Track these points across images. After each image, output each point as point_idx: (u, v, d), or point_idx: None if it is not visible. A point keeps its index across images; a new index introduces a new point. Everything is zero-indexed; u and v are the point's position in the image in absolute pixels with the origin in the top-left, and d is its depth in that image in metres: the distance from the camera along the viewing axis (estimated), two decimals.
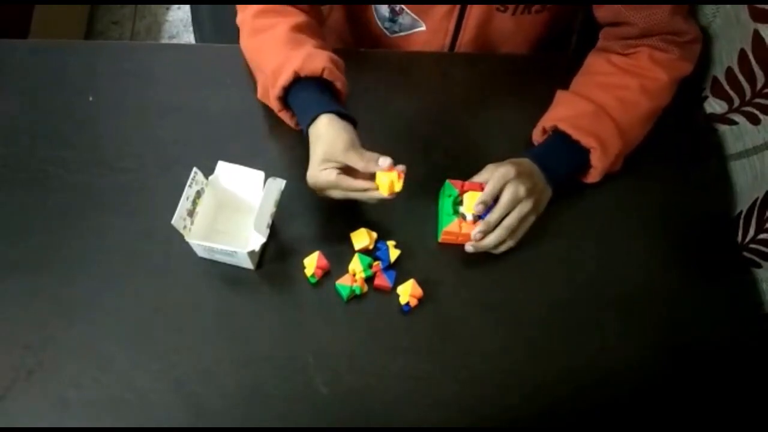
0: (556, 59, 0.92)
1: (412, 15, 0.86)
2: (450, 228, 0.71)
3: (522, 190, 0.70)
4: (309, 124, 0.71)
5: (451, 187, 0.73)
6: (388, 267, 0.71)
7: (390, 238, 0.73)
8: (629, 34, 0.77)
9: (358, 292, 0.70)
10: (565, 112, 0.77)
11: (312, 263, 0.70)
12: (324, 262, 0.70)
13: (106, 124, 0.81)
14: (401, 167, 0.67)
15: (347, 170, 0.68)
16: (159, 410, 0.64)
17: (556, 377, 0.68)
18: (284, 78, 0.71)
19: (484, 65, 0.88)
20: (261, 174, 0.70)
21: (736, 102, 0.79)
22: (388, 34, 0.91)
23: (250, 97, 0.80)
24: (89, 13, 1.76)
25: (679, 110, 0.80)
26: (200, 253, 0.71)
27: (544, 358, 0.69)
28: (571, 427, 0.67)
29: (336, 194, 0.70)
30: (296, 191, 0.72)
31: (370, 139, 0.69)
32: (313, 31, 0.79)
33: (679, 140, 0.83)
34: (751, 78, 0.74)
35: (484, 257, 0.72)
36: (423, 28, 0.87)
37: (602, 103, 0.75)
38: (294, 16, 0.78)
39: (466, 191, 0.73)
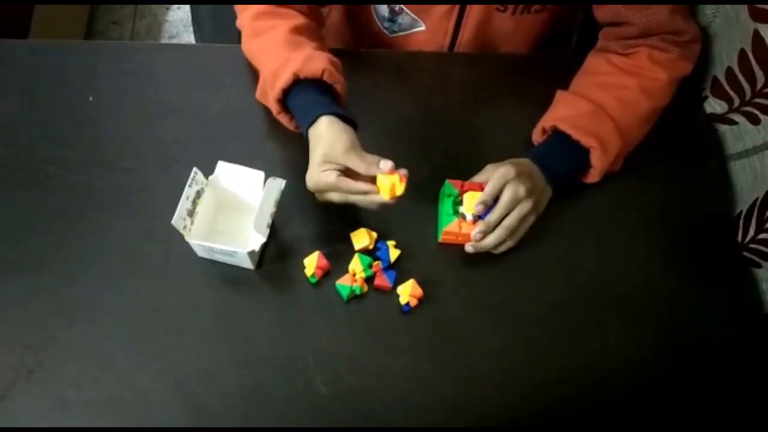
0: (556, 59, 0.92)
1: (412, 15, 0.86)
2: (450, 228, 0.71)
3: (522, 190, 0.70)
4: (309, 126, 0.70)
5: (450, 187, 0.73)
6: (388, 267, 0.71)
7: (390, 238, 0.73)
8: (629, 34, 0.77)
9: (358, 292, 0.70)
10: (564, 112, 0.77)
11: (312, 263, 0.70)
12: (324, 262, 0.70)
13: (106, 124, 0.81)
14: (403, 171, 0.66)
15: (347, 173, 0.67)
16: (159, 410, 0.64)
17: (556, 377, 0.68)
18: (283, 80, 0.71)
19: (483, 65, 0.88)
20: (261, 174, 0.70)
21: (736, 102, 0.79)
22: (387, 34, 0.91)
23: (250, 97, 0.80)
24: (89, 13, 1.76)
25: (679, 110, 0.80)
26: (200, 253, 0.71)
27: (544, 358, 0.69)
28: (571, 427, 0.67)
29: (335, 198, 0.68)
30: (296, 191, 0.72)
31: (369, 139, 0.69)
32: (313, 33, 0.78)
33: (679, 140, 0.83)
34: (751, 78, 0.74)
35: (484, 257, 0.72)
36: (422, 28, 0.87)
37: (602, 103, 0.75)
38: (293, 18, 0.77)
39: (466, 191, 0.73)
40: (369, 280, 0.71)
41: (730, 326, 0.72)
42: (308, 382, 0.66)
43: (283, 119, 0.76)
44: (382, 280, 0.70)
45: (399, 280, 0.70)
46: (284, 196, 0.69)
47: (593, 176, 0.75)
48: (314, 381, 0.66)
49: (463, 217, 0.72)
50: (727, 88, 0.80)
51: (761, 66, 0.72)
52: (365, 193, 0.67)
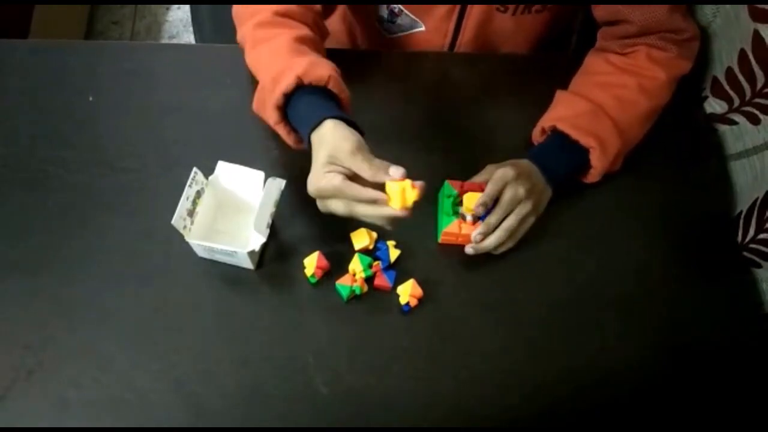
0: (556, 59, 0.92)
1: (411, 16, 0.86)
2: (450, 229, 0.71)
3: (522, 191, 0.70)
4: (312, 130, 0.65)
5: (450, 187, 0.73)
6: (388, 267, 0.71)
7: (390, 238, 0.73)
8: (627, 33, 0.77)
9: (358, 292, 0.70)
10: (564, 112, 0.77)
11: (312, 263, 0.70)
12: (324, 262, 0.70)
13: (106, 124, 0.81)
14: (419, 183, 0.60)
15: (354, 180, 0.62)
16: (159, 410, 0.64)
17: (556, 377, 0.68)
18: (285, 83, 0.66)
19: (484, 65, 0.88)
20: (261, 174, 0.70)
21: (736, 102, 0.79)
22: (386, 35, 0.91)
23: (251, 97, 0.80)
24: (89, 13, 1.76)
25: (679, 110, 0.81)
26: (200, 253, 0.71)
27: (544, 358, 0.69)
28: (571, 427, 0.67)
29: (339, 208, 0.63)
30: (296, 191, 0.72)
31: (368, 139, 0.68)
32: (316, 46, 0.75)
33: (679, 140, 0.83)
34: (751, 78, 0.74)
35: (483, 257, 0.72)
36: (422, 28, 0.87)
37: (601, 102, 0.75)
38: (297, 28, 0.74)
39: (466, 192, 0.73)
40: (369, 280, 0.71)
41: (730, 326, 0.72)
42: (308, 382, 0.66)
43: (282, 130, 0.70)
44: (382, 280, 0.70)
45: (399, 280, 0.70)
46: (284, 196, 0.69)
47: (593, 176, 0.75)
48: (314, 381, 0.66)
49: (463, 217, 0.72)
50: (727, 88, 0.80)
51: (761, 66, 0.72)
52: (373, 201, 0.60)
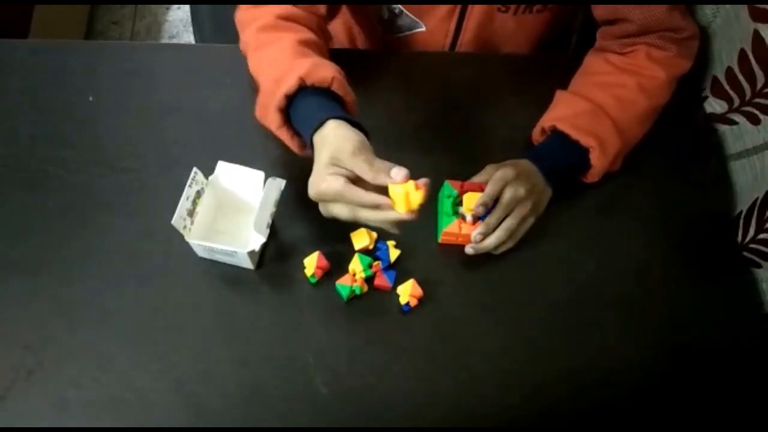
0: (556, 59, 0.92)
1: (412, 17, 0.86)
2: (450, 229, 0.71)
3: (522, 191, 0.70)
4: (314, 131, 0.63)
5: (450, 187, 0.73)
6: (388, 267, 0.71)
7: (390, 238, 0.73)
8: (626, 32, 0.77)
9: (358, 292, 0.70)
10: (563, 112, 0.77)
11: (312, 263, 0.70)
12: (324, 262, 0.70)
13: (106, 124, 0.81)
14: (423, 180, 0.57)
15: (357, 183, 0.60)
16: (159, 410, 0.64)
17: (556, 377, 0.68)
18: (287, 85, 0.65)
19: (484, 65, 0.88)
20: (261, 174, 0.70)
21: (736, 102, 0.79)
22: (386, 35, 0.90)
23: (250, 97, 0.80)
24: (89, 13, 1.76)
25: (678, 110, 0.80)
26: (200, 253, 0.71)
27: (544, 358, 0.69)
28: (571, 427, 0.67)
29: (342, 212, 0.60)
30: (296, 191, 0.72)
31: (369, 139, 0.68)
32: (320, 50, 0.73)
33: (679, 140, 0.83)
34: (751, 78, 0.74)
35: (483, 257, 0.72)
36: (423, 29, 0.87)
37: (600, 102, 0.75)
38: (301, 32, 0.73)
39: (466, 192, 0.73)
40: (369, 280, 0.71)
41: (730, 326, 0.72)
42: (308, 382, 0.66)
43: (284, 135, 0.69)
44: (382, 280, 0.70)
45: (399, 280, 0.70)
46: (284, 196, 0.69)
47: (593, 176, 0.75)
48: (314, 381, 0.66)
49: (463, 217, 0.72)
50: (727, 88, 0.80)
51: (761, 66, 0.72)
52: (376, 206, 0.58)
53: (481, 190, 0.72)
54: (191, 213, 0.68)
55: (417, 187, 0.56)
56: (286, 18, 0.73)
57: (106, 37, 1.76)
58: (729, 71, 0.79)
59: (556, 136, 0.75)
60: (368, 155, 0.59)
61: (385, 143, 0.69)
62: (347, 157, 0.59)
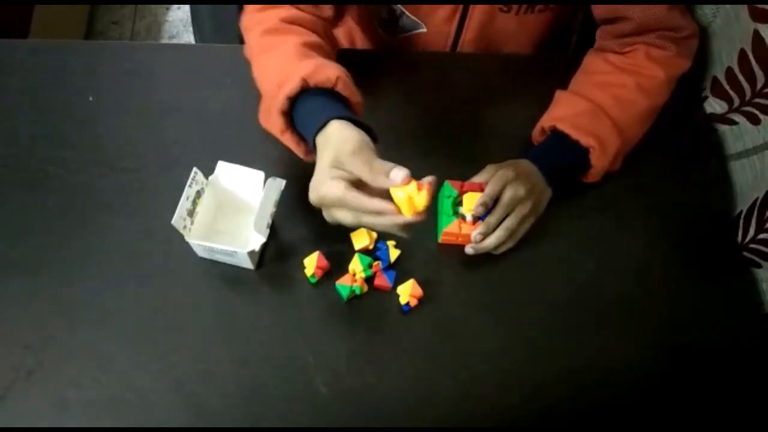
0: (556, 59, 0.92)
1: (413, 18, 0.85)
2: (450, 229, 0.71)
3: (522, 191, 0.70)
4: (317, 132, 0.60)
5: (450, 187, 0.73)
6: (388, 267, 0.71)
7: (390, 238, 0.73)
8: (626, 31, 0.77)
9: (358, 292, 0.70)
10: (563, 112, 0.77)
11: (312, 263, 0.70)
12: (324, 262, 0.70)
13: (106, 124, 0.81)
14: (428, 179, 0.54)
15: (361, 186, 0.56)
16: (159, 410, 0.64)
17: (556, 377, 0.68)
18: (290, 86, 0.62)
19: (484, 65, 0.88)
20: (261, 174, 0.70)
21: (736, 102, 0.79)
22: (387, 36, 0.90)
23: (250, 97, 0.80)
24: (89, 13, 1.76)
25: (678, 110, 0.80)
26: (200, 253, 0.71)
27: (544, 358, 0.69)
28: (571, 427, 0.67)
29: (346, 218, 0.57)
30: (296, 191, 0.72)
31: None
32: (326, 54, 0.71)
33: (679, 140, 0.83)
34: (751, 78, 0.74)
35: (483, 257, 0.72)
36: (424, 29, 0.87)
37: (600, 102, 0.75)
38: (305, 35, 0.71)
39: (466, 192, 0.73)
40: (369, 280, 0.71)
41: (730, 326, 0.72)
42: (308, 382, 0.66)
43: (289, 140, 0.66)
44: (382, 280, 0.70)
45: (399, 280, 0.70)
46: (284, 196, 0.69)
47: (593, 176, 0.75)
48: (314, 381, 0.66)
49: (463, 217, 0.72)
50: (727, 88, 0.80)
51: (761, 66, 0.72)
52: (379, 211, 0.54)
53: (481, 190, 0.72)
54: (191, 213, 0.68)
55: (420, 188, 0.53)
56: (291, 21, 0.72)
57: (106, 37, 1.76)
58: (729, 71, 0.79)
59: (556, 136, 0.75)
60: (367, 156, 0.56)
61: (385, 144, 0.69)
62: (347, 158, 0.56)
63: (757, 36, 0.71)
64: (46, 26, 1.46)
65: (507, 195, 0.70)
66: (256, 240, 0.66)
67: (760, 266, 0.74)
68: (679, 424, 0.67)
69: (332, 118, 0.60)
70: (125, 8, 1.81)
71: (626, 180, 0.79)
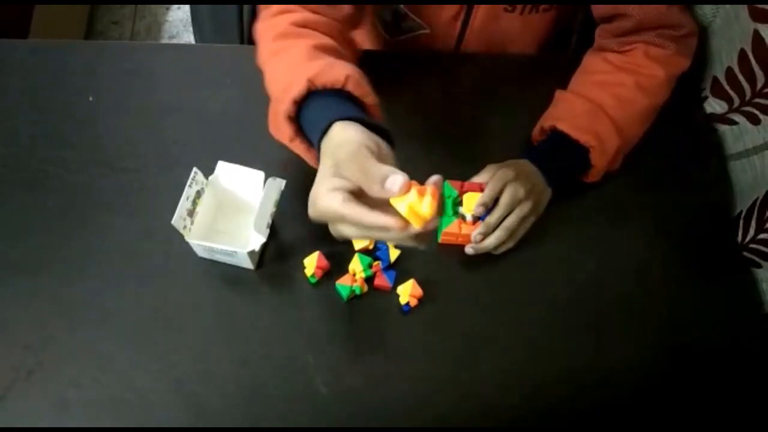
0: (556, 59, 0.92)
1: (417, 20, 0.85)
2: (450, 229, 0.71)
3: (521, 191, 0.70)
4: (322, 137, 0.54)
5: (450, 187, 0.73)
6: (388, 267, 0.71)
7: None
8: (625, 29, 0.77)
9: (358, 292, 0.70)
10: (563, 112, 0.77)
11: (312, 263, 0.70)
12: (324, 262, 0.70)
13: (106, 124, 0.81)
14: (432, 180, 0.48)
15: (365, 195, 0.50)
16: (159, 410, 0.64)
17: (556, 377, 0.68)
18: (296, 89, 0.57)
19: (484, 65, 0.88)
20: (261, 174, 0.70)
21: (736, 102, 0.79)
22: (389, 37, 0.90)
23: (250, 97, 0.80)
24: (89, 13, 1.76)
25: (678, 110, 0.80)
26: (200, 253, 0.71)
27: (544, 358, 0.69)
28: (571, 427, 0.67)
29: (352, 233, 0.50)
30: (296, 191, 0.72)
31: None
32: (340, 57, 0.65)
33: (679, 140, 0.83)
34: (751, 78, 0.74)
35: (483, 257, 0.72)
36: (427, 31, 0.87)
37: (599, 101, 0.75)
38: (317, 38, 0.66)
39: (466, 192, 0.73)
40: (369, 280, 0.71)
41: (730, 326, 0.72)
42: (308, 382, 0.66)
43: (298, 148, 0.61)
44: (382, 280, 0.70)
45: (399, 280, 0.70)
46: (284, 196, 0.69)
47: (593, 176, 0.75)
48: (314, 381, 0.66)
49: (463, 218, 0.72)
50: (727, 88, 0.80)
51: (761, 66, 0.72)
52: (383, 228, 0.48)
53: (481, 190, 0.72)
54: (191, 213, 0.68)
55: (422, 193, 0.47)
56: (303, 25, 0.67)
57: (106, 37, 1.76)
58: (729, 71, 0.79)
59: (556, 135, 0.75)
60: (364, 161, 0.49)
61: None
62: (343, 165, 0.50)
63: (757, 36, 0.71)
64: (46, 26, 1.46)
65: (507, 195, 0.70)
66: (256, 240, 0.66)
67: (760, 266, 0.74)
68: (679, 424, 0.67)
69: (336, 120, 0.54)
70: (125, 8, 1.81)
71: (626, 180, 0.79)
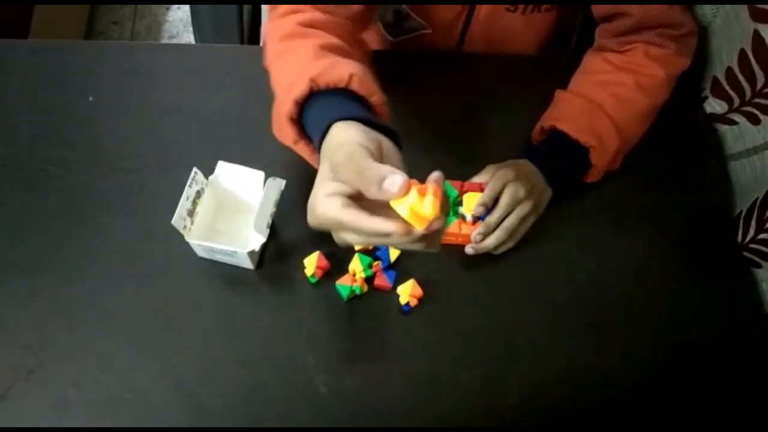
0: (556, 59, 0.92)
1: (419, 20, 0.85)
2: (450, 229, 0.71)
3: (521, 191, 0.70)
4: (322, 137, 0.51)
5: (450, 187, 0.73)
6: (388, 267, 0.71)
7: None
8: (625, 28, 0.77)
9: (358, 292, 0.70)
10: (563, 112, 0.77)
11: (312, 263, 0.70)
12: (324, 262, 0.70)
13: (106, 124, 0.81)
14: (432, 178, 0.46)
15: (365, 198, 0.47)
16: (159, 410, 0.64)
17: (556, 377, 0.68)
18: (298, 90, 0.55)
19: (484, 65, 0.88)
20: (261, 174, 0.70)
21: (736, 102, 0.79)
22: (391, 38, 0.90)
23: (250, 97, 0.80)
24: (89, 13, 1.76)
25: (678, 110, 0.81)
26: (200, 253, 0.71)
27: (544, 358, 0.69)
28: (571, 427, 0.67)
29: (355, 240, 0.48)
30: (296, 191, 0.72)
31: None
32: (349, 56, 0.62)
33: (679, 140, 0.83)
34: (751, 78, 0.74)
35: (483, 257, 0.72)
36: (429, 30, 0.87)
37: (599, 101, 0.75)
38: (324, 37, 0.63)
39: (466, 192, 0.73)
40: (369, 280, 0.71)
41: (730, 326, 0.72)
42: (308, 382, 0.66)
43: (304, 151, 0.59)
44: (382, 280, 0.70)
45: (399, 280, 0.70)
46: (284, 196, 0.69)
47: (593, 176, 0.75)
48: (314, 381, 0.66)
49: (463, 218, 0.72)
50: (727, 88, 0.80)
51: (761, 66, 0.72)
52: (385, 233, 0.45)
53: (481, 190, 0.72)
54: (191, 213, 0.68)
55: (423, 193, 0.44)
56: (310, 25, 0.65)
57: (106, 37, 1.76)
58: (729, 71, 0.79)
59: (556, 135, 0.75)
60: (361, 162, 0.46)
61: None
62: (340, 167, 0.47)
63: (757, 36, 0.71)
64: (46, 26, 1.46)
65: (507, 195, 0.70)
66: (256, 240, 0.66)
67: (760, 266, 0.74)
68: (679, 424, 0.67)
69: (337, 120, 0.51)
70: (125, 8, 1.81)
71: (626, 180, 0.79)
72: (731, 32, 0.78)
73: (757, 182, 0.75)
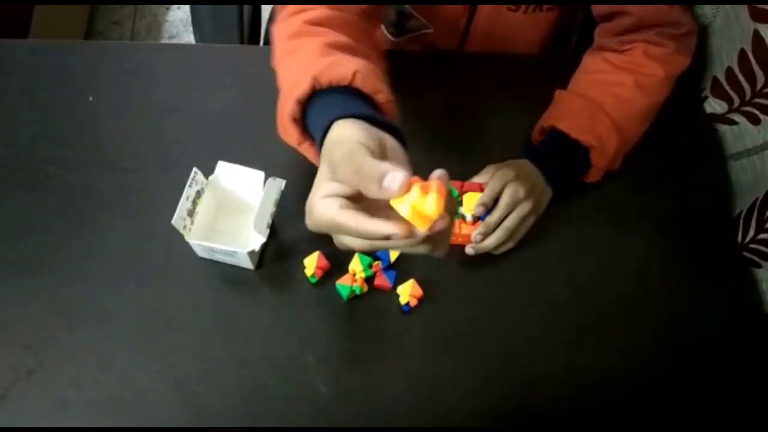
0: (556, 59, 0.92)
1: (422, 20, 0.85)
2: None
3: (521, 191, 0.70)
4: (323, 137, 0.49)
5: (450, 188, 0.73)
6: (388, 267, 0.71)
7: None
8: (625, 27, 0.77)
9: (358, 292, 0.70)
10: (562, 112, 0.77)
11: (312, 263, 0.70)
12: (324, 262, 0.70)
13: (106, 124, 0.81)
14: (437, 173, 0.43)
15: (365, 199, 0.44)
16: (159, 410, 0.64)
17: (556, 377, 0.68)
18: (300, 89, 0.53)
19: (484, 65, 0.88)
20: (261, 174, 0.70)
21: (736, 102, 0.79)
22: (393, 38, 0.90)
23: (250, 97, 0.80)
24: (89, 13, 1.76)
25: (678, 110, 0.81)
26: (200, 253, 0.71)
27: (544, 358, 0.69)
28: (571, 427, 0.67)
29: (356, 244, 0.45)
30: (296, 191, 0.72)
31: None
32: (358, 54, 0.60)
33: (679, 140, 0.83)
34: (751, 78, 0.74)
35: (484, 257, 0.72)
36: (431, 30, 0.87)
37: (598, 100, 0.75)
38: (331, 35, 0.61)
39: (466, 192, 0.73)
40: (369, 280, 0.71)
41: (730, 326, 0.72)
42: (308, 382, 0.66)
43: (308, 152, 0.57)
44: (382, 280, 0.70)
45: (399, 280, 0.70)
46: (284, 196, 0.69)
47: (593, 175, 0.75)
48: (314, 381, 0.66)
49: (463, 218, 0.72)
50: (727, 88, 0.80)
51: (761, 66, 0.72)
52: (386, 236, 0.42)
53: (481, 190, 0.72)
54: (191, 213, 0.68)
55: (426, 190, 0.41)
56: (318, 23, 0.63)
57: (106, 37, 1.76)
58: (729, 71, 0.79)
59: (556, 135, 0.75)
60: (359, 160, 0.43)
61: None
62: (337, 166, 0.45)
63: (757, 36, 0.71)
64: (46, 26, 1.46)
65: (507, 195, 0.70)
66: (256, 240, 0.66)
67: (760, 266, 0.74)
68: (679, 424, 0.67)
69: (338, 118, 0.49)
70: (125, 8, 1.81)
71: (626, 180, 0.79)
72: (731, 32, 0.78)
73: (757, 182, 0.75)
